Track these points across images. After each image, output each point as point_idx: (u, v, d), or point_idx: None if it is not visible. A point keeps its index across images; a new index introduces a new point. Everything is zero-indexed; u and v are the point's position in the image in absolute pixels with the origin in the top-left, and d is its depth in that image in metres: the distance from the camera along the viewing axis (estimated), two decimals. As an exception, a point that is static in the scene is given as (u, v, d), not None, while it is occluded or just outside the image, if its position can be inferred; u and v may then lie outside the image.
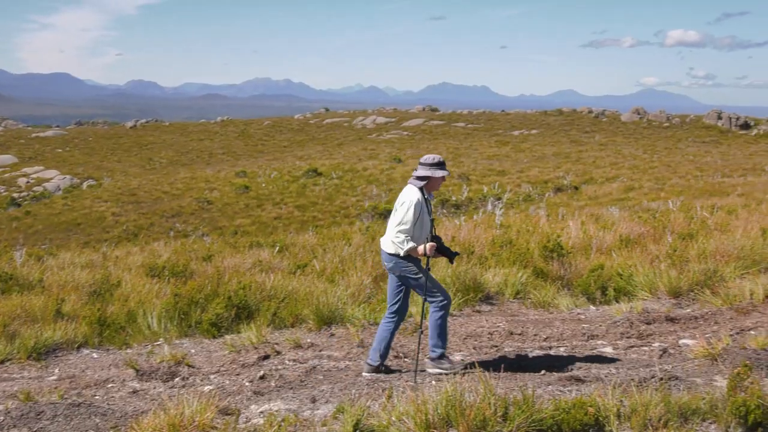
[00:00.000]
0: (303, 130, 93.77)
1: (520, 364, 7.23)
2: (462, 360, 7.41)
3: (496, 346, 7.95)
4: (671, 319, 8.69)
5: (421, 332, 7.05)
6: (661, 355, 7.40)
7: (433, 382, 6.46)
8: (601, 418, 4.87)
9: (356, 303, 9.40)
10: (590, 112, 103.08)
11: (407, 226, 6.74)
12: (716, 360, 6.72)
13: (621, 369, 6.82)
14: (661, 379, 6.04)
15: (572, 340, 8.14)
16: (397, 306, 7.10)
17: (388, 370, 7.08)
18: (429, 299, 6.94)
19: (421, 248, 6.80)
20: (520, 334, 8.32)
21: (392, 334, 7.10)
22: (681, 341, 7.89)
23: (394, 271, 6.96)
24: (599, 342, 8.04)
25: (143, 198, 43.44)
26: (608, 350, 7.70)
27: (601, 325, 8.61)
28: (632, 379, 5.98)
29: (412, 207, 6.75)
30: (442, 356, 7.05)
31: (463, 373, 6.13)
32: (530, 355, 7.59)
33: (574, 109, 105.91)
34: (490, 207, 30.62)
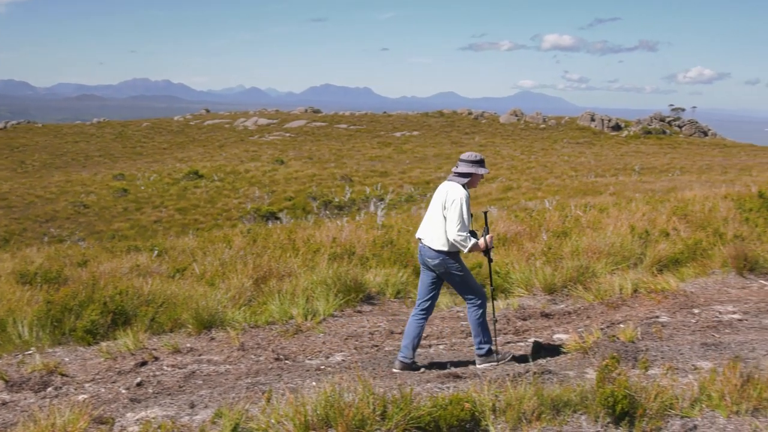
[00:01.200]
0: (183, 131, 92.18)
1: (400, 362, 7.31)
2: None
3: (377, 346, 8.00)
4: (546, 315, 8.95)
5: (496, 321, 7.62)
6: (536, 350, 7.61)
7: (314, 384, 6.45)
8: (477, 413, 4.96)
9: (237, 306, 9.28)
10: (470, 113, 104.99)
11: (465, 224, 6.91)
12: (587, 353, 6.96)
13: (497, 365, 6.98)
14: (536, 373, 6.22)
15: (451, 338, 8.27)
16: (429, 303, 7.28)
17: (417, 367, 7.13)
18: (468, 296, 7.19)
19: (482, 242, 7.07)
20: (401, 333, 8.39)
21: (422, 329, 7.24)
22: (555, 336, 8.14)
23: (439, 268, 7.07)
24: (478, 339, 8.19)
25: (15, 202, 41.69)
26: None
27: (479, 324, 8.78)
28: (508, 374, 6.14)
29: (465, 204, 6.93)
30: (490, 351, 7.19)
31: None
32: (411, 353, 7.67)
33: (455, 111, 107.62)
34: (372, 208, 30.82)
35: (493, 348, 7.25)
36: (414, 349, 7.13)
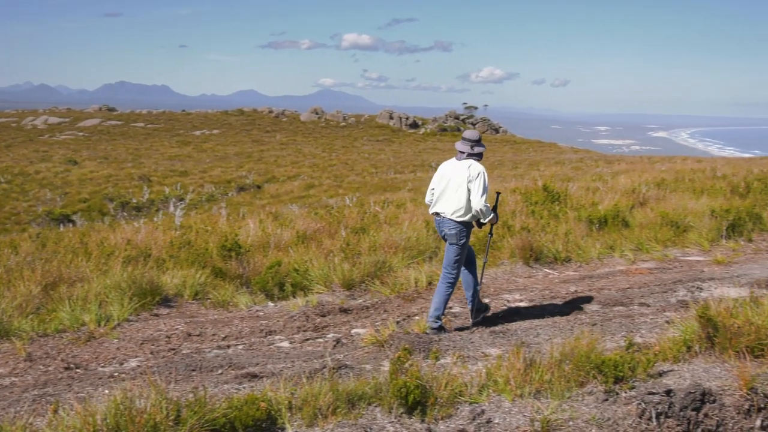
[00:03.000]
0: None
1: (198, 365, 7.15)
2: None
3: (174, 349, 7.80)
4: (345, 310, 9.04)
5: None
6: (334, 346, 7.67)
7: (106, 392, 6.20)
8: (273, 412, 4.94)
9: (24, 315, 8.76)
10: (271, 111, 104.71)
11: (487, 195, 7.77)
12: (384, 346, 7.10)
13: (296, 362, 6.97)
14: (333, 368, 6.25)
15: (251, 337, 8.19)
16: (461, 266, 8.12)
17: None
18: (452, 269, 7.98)
19: (492, 216, 8.05)
20: (198, 335, 8.23)
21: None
22: (353, 331, 8.23)
23: (452, 237, 7.86)
24: (277, 337, 8.16)
25: None
26: (285, 344, 7.84)
27: (278, 321, 8.73)
28: (305, 371, 6.15)
29: (487, 178, 7.85)
30: (441, 328, 7.90)
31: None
32: (209, 355, 7.53)
33: (255, 109, 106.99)
34: (172, 208, 30.05)
35: (445, 325, 8.04)
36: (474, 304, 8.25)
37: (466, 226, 7.84)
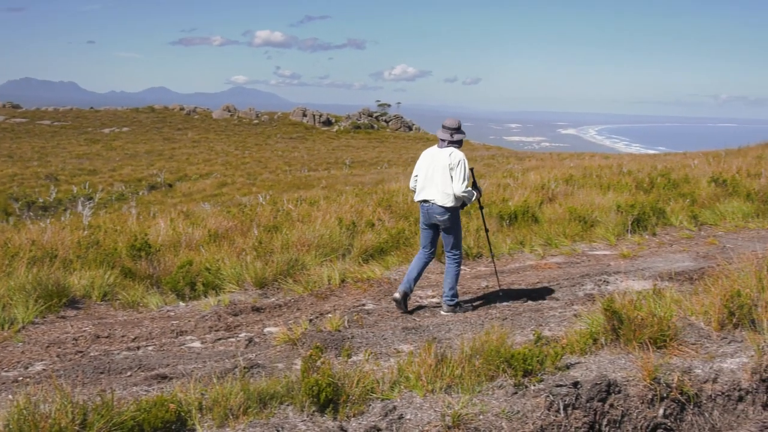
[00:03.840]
0: None
1: (106, 367, 7.00)
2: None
3: (82, 352, 7.60)
4: (257, 309, 8.96)
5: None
6: (247, 345, 7.59)
7: (10, 397, 6.01)
8: (183, 413, 4.87)
9: None
10: (182, 109, 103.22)
11: (467, 182, 8.32)
12: (296, 344, 7.07)
13: (208, 362, 6.88)
14: (245, 368, 6.20)
15: (161, 338, 8.05)
16: (432, 249, 8.83)
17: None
18: (456, 250, 8.67)
19: (476, 194, 8.68)
20: (107, 337, 8.04)
21: (423, 265, 8.83)
22: (266, 329, 8.17)
23: (445, 223, 8.40)
24: (188, 337, 8.04)
25: None
26: (197, 345, 7.73)
27: (190, 321, 8.61)
28: (217, 371, 6.08)
29: (467, 164, 8.36)
30: (458, 304, 8.68)
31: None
32: (118, 357, 7.37)
33: (166, 107, 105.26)
34: (80, 208, 29.30)
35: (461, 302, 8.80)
36: (415, 281, 8.72)
37: (455, 211, 8.39)
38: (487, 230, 10.03)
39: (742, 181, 18.04)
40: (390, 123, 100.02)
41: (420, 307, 8.85)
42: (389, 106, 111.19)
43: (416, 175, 8.63)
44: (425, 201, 8.45)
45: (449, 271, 8.63)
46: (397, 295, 8.51)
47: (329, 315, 8.35)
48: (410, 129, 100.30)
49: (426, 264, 8.82)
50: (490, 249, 10.11)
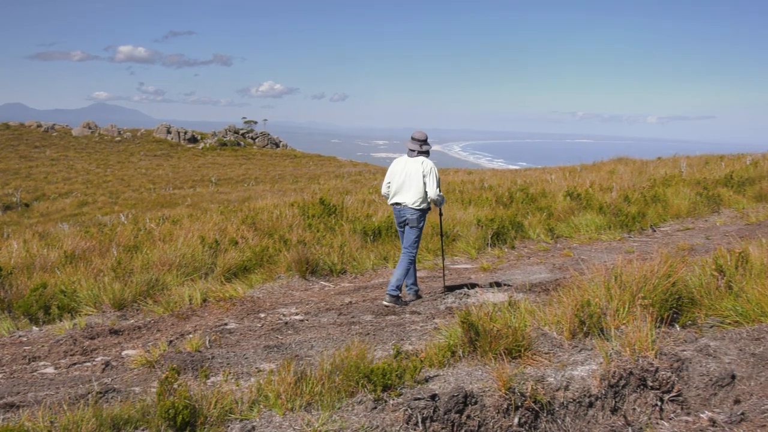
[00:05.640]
0: None
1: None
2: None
3: None
4: (115, 332, 8.71)
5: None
6: (103, 369, 7.36)
7: None
8: (30, 444, 4.68)
9: None
10: (39, 126, 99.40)
11: (439, 187, 9.64)
12: (154, 367, 6.90)
13: (61, 388, 6.62)
14: (99, 393, 6.01)
15: (12, 365, 7.70)
16: (419, 245, 10.09)
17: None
18: (412, 248, 9.81)
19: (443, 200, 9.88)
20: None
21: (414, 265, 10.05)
22: (124, 352, 7.95)
23: (413, 222, 9.66)
24: (41, 363, 7.73)
25: None
26: (50, 370, 7.44)
27: (43, 346, 8.28)
28: (69, 398, 5.86)
29: (437, 171, 9.71)
30: (417, 292, 10.15)
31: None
32: (-38, 387, 7.01)
33: (23, 124, 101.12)
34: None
35: (420, 292, 10.26)
36: (412, 279, 10.08)
37: (423, 212, 9.67)
38: (442, 235, 11.23)
39: (595, 194, 18.83)
40: (257, 140, 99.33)
41: (283, 324, 8.80)
42: (256, 123, 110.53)
43: (389, 182, 9.85)
44: (398, 203, 9.73)
45: (401, 265, 9.75)
46: (386, 303, 9.56)
47: (190, 336, 8.19)
48: (277, 146, 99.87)
49: (414, 262, 10.01)
50: (443, 252, 10.99)
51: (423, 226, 9.83)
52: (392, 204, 9.87)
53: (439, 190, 9.57)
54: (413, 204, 9.56)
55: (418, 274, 11.80)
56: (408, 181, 9.60)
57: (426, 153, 9.77)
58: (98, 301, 9.91)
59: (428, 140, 9.85)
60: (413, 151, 9.73)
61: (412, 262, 9.85)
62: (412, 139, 9.80)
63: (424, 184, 9.53)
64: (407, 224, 9.71)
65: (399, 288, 9.58)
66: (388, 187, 9.86)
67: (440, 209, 10.51)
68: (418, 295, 10.06)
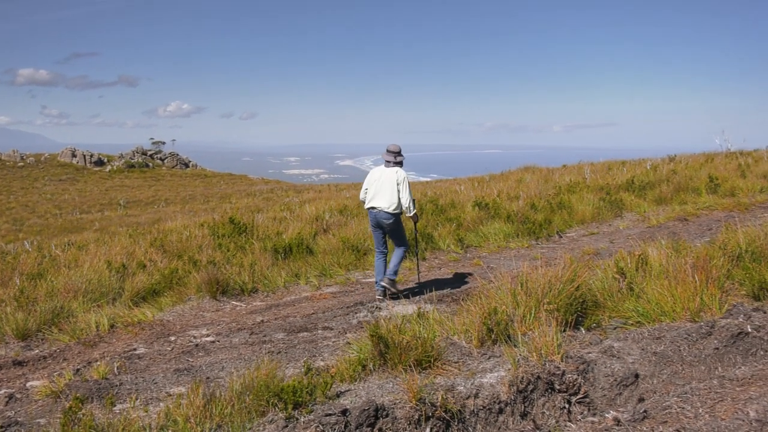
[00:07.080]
0: None
1: None
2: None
3: None
4: (19, 363, 8.45)
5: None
6: (7, 402, 7.13)
7: None
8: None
9: None
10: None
11: (411, 194, 10.62)
12: (60, 397, 6.72)
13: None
14: (1, 427, 5.83)
15: None
16: (386, 247, 11.06)
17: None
18: (403, 244, 10.87)
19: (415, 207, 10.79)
20: None
21: (386, 263, 10.98)
22: (29, 384, 7.71)
23: (390, 225, 10.64)
24: (-60, 400, 7.45)
25: None
26: (-51, 407, 7.17)
27: (-58, 382, 7.99)
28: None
29: (408, 180, 10.67)
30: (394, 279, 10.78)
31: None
32: None
33: None
34: None
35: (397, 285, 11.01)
36: (389, 274, 10.65)
37: (397, 216, 10.63)
38: (417, 242, 12.85)
39: (503, 203, 19.13)
40: (166, 161, 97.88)
41: (194, 347, 8.67)
42: (164, 143, 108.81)
43: (366, 189, 10.82)
44: (374, 208, 10.64)
45: (396, 255, 10.80)
46: (379, 296, 10.73)
47: (97, 363, 8.00)
48: (187, 166, 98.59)
49: (385, 260, 11.00)
50: (417, 254, 12.43)
51: (402, 227, 10.86)
52: (368, 208, 10.77)
53: (411, 196, 10.56)
54: (387, 208, 10.52)
55: (331, 289, 11.80)
56: (383, 189, 10.60)
57: (400, 164, 10.79)
58: (0, 333, 9.61)
59: (402, 152, 10.90)
60: (389, 162, 10.75)
61: (406, 251, 11.01)
62: (388, 151, 10.80)
63: (398, 191, 10.53)
64: (385, 230, 10.73)
65: (396, 273, 10.68)
66: (366, 193, 10.84)
67: (414, 215, 11.06)
68: (385, 293, 10.76)
